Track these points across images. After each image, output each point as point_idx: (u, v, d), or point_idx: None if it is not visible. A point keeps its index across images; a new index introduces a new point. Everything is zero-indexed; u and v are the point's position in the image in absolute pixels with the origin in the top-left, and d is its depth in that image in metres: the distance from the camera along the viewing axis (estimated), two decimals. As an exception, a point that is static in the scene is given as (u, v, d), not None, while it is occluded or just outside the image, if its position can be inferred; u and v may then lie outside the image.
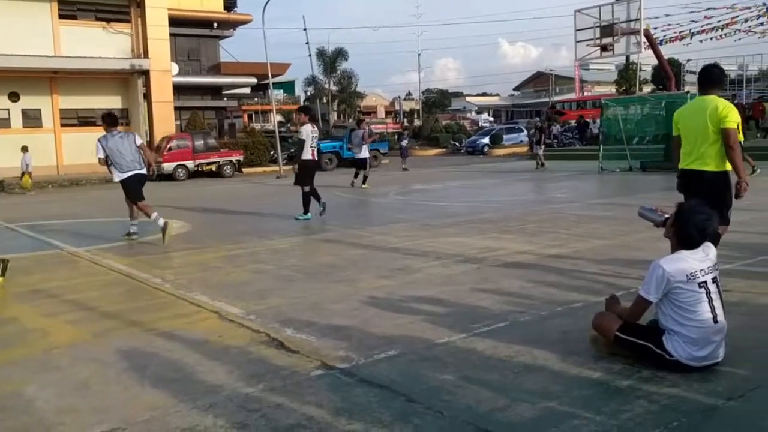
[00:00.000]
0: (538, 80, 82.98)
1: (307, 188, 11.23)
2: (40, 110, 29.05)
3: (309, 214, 11.28)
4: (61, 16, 28.58)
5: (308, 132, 11.17)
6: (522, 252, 7.56)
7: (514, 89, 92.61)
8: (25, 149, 22.43)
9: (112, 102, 30.53)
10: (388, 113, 76.30)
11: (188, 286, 6.45)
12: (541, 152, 23.65)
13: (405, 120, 61.01)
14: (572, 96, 64.28)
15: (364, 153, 18.48)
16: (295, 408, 3.43)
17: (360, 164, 18.77)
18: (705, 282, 3.72)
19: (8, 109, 28.52)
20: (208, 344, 4.61)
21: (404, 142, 28.36)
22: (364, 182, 18.12)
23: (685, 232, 3.82)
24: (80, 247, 9.19)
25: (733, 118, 5.18)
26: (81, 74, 28.67)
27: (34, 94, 28.56)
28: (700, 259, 3.78)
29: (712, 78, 5.49)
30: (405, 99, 76.57)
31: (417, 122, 58.65)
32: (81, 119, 30.05)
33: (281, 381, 3.81)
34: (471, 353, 4.18)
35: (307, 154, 11.21)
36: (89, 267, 7.81)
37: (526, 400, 3.43)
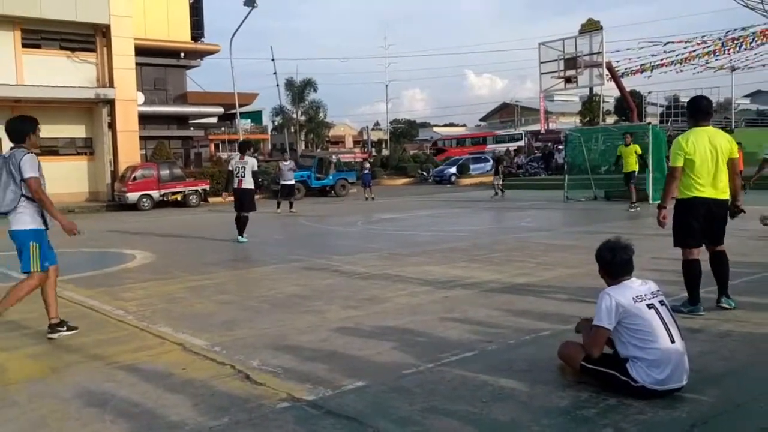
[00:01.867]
0: (504, 111, 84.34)
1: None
2: (1, 139, 28.50)
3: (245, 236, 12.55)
4: (24, 45, 28.22)
5: (234, 163, 12.65)
6: (490, 281, 7.59)
7: (481, 120, 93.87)
8: None
9: (77, 131, 30.17)
10: (356, 143, 76.61)
11: (152, 318, 6.33)
12: (498, 182, 24.83)
13: (373, 149, 61.29)
14: (456, 132, 66.56)
15: (291, 180, 21.26)
16: (261, 442, 3.36)
17: (288, 191, 21.18)
18: (653, 304, 3.85)
19: (-31, 139, 27.97)
20: (172, 377, 4.52)
21: (366, 171, 28.34)
22: (291, 207, 20.55)
23: (600, 259, 4.10)
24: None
25: (737, 149, 5.73)
26: (44, 103, 28.26)
27: (-5, 123, 28.15)
28: (641, 284, 3.98)
29: (708, 109, 5.87)
30: (373, 129, 77.05)
31: (385, 152, 58.96)
32: (44, 148, 29.49)
33: (247, 414, 3.74)
34: (439, 383, 4.16)
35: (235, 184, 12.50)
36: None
37: (495, 430, 3.41)
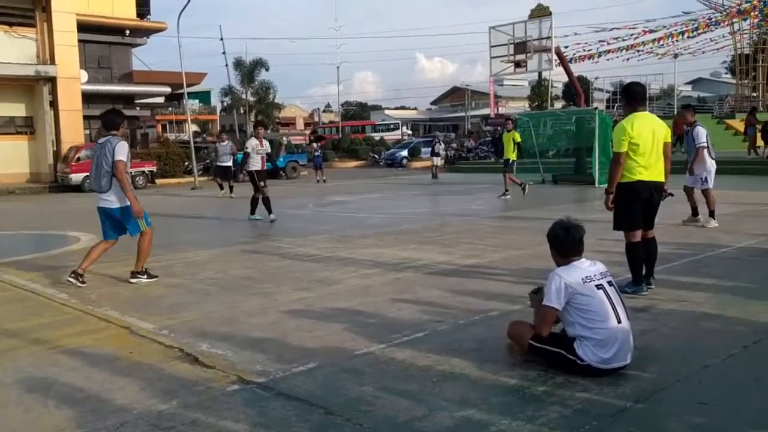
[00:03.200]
0: (455, 95, 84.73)
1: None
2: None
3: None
4: (-42, 19, 27.02)
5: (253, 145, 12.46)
6: (440, 262, 7.65)
7: (432, 103, 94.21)
8: None
9: (16, 109, 29.05)
10: (307, 125, 76.00)
11: (97, 302, 6.18)
12: (437, 163, 26.46)
13: (324, 132, 60.90)
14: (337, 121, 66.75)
15: (228, 162, 19.96)
16: (211, 424, 3.32)
17: (223, 172, 20.22)
18: (601, 285, 3.93)
19: None
20: (118, 361, 4.42)
21: (317, 153, 28.25)
22: (231, 191, 19.46)
23: (553, 238, 4.16)
24: (-22, 261, 8.65)
25: (670, 134, 5.94)
26: (-19, 79, 27.15)
27: (-72, 100, 26.88)
28: (590, 265, 4.07)
29: (643, 95, 6.09)
30: (324, 111, 76.53)
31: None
32: (-19, 127, 28.42)
33: (196, 397, 3.69)
34: (390, 363, 4.18)
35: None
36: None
37: (445, 408, 3.45)
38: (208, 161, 32.76)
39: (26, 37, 28.40)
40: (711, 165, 10.22)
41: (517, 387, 3.75)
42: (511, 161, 16.89)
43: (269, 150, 12.83)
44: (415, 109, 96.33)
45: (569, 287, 3.89)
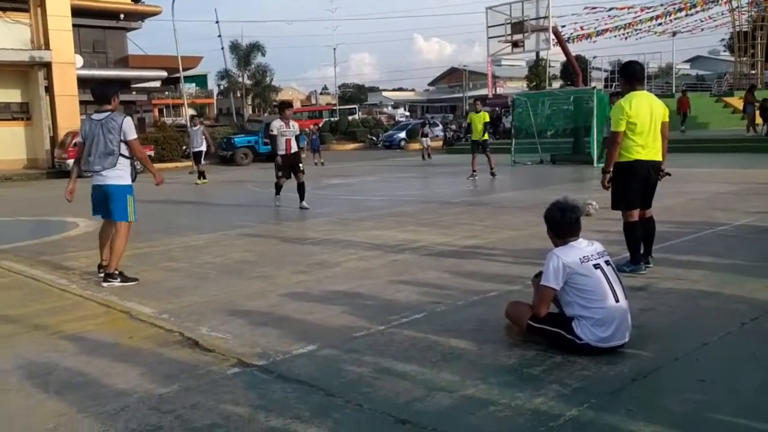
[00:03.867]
0: (452, 76, 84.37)
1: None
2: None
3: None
4: (-50, 4, 26.80)
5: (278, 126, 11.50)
6: (438, 243, 7.65)
7: (429, 84, 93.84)
8: None
9: (11, 95, 28.90)
10: (305, 107, 75.65)
11: (97, 287, 6.19)
12: (427, 144, 26.98)
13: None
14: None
15: (202, 147, 19.57)
16: (211, 407, 3.34)
17: (197, 157, 19.95)
18: (599, 264, 3.94)
19: None
20: (118, 346, 4.44)
21: (315, 136, 28.24)
22: (200, 177, 19.07)
23: (550, 219, 4.16)
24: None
25: (668, 113, 5.91)
26: (-24, 65, 26.99)
27: None
28: (587, 245, 4.07)
29: (642, 74, 6.10)
30: (321, 93, 76.26)
31: (334, 119, 58.43)
32: (-23, 112, 28.30)
33: (196, 381, 3.70)
34: (389, 345, 4.20)
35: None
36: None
37: (444, 389, 3.47)
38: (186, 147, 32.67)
39: (20, 23, 28.18)
40: None
41: (516, 367, 3.77)
42: (486, 142, 16.99)
43: (298, 131, 11.91)
44: (413, 90, 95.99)
45: (567, 267, 3.90)
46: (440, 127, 40.78)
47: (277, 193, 11.98)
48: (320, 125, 41.60)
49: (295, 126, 11.69)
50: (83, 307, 5.56)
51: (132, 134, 6.32)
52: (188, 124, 23.07)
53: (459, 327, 4.50)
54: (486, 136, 16.87)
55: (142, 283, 6.27)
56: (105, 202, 6.40)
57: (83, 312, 5.37)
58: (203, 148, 19.63)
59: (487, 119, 17.26)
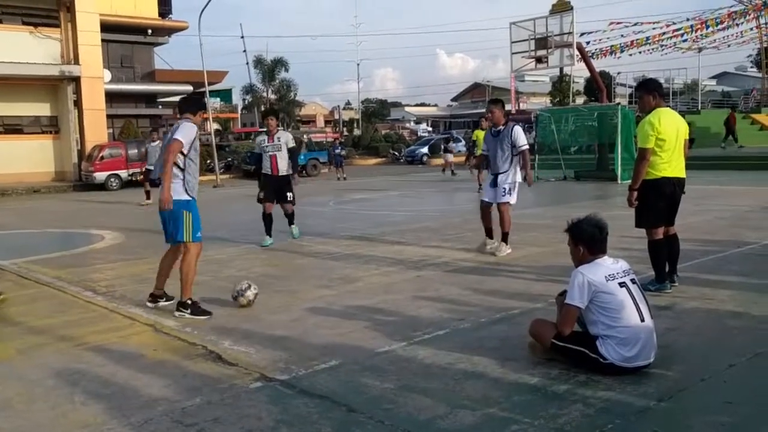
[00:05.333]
0: (475, 91, 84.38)
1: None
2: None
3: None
4: (-16, 20, 27.46)
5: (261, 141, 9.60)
6: (461, 259, 7.64)
7: (452, 100, 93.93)
8: None
9: (41, 109, 29.46)
10: (327, 122, 76.10)
11: (122, 299, 6.26)
12: (450, 159, 26.54)
13: (345, 129, 61.07)
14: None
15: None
16: (234, 421, 3.36)
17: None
18: (624, 283, 3.90)
19: (-72, 116, 27.19)
20: (143, 358, 4.48)
21: (337, 151, 28.40)
22: (147, 197, 17.09)
23: (585, 235, 4.06)
24: (6, 259, 8.79)
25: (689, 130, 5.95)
26: (7, 80, 27.55)
27: (-45, 100, 27.35)
28: (613, 263, 4.03)
29: (663, 90, 6.04)
30: (344, 108, 76.66)
31: (357, 131, 58.74)
32: (7, 127, 28.85)
33: (219, 394, 3.72)
34: (411, 361, 4.19)
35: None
36: (16, 280, 7.48)
37: (467, 406, 3.45)
38: (229, 159, 33.09)
39: (50, 38, 28.78)
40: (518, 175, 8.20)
41: (539, 385, 3.74)
42: None
43: (291, 144, 9.42)
44: (436, 105, 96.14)
45: (592, 285, 3.86)
46: (463, 142, 40.72)
47: (267, 229, 9.48)
48: (342, 139, 41.77)
49: (284, 139, 9.42)
50: (108, 319, 5.62)
51: (179, 134, 5.53)
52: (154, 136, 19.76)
53: (482, 344, 4.48)
54: None
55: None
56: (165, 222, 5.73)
57: (108, 324, 5.43)
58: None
59: None
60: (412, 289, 6.24)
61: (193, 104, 5.97)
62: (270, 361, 4.27)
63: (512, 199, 8.11)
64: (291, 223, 9.81)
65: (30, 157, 28.15)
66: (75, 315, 5.77)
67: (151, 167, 17.03)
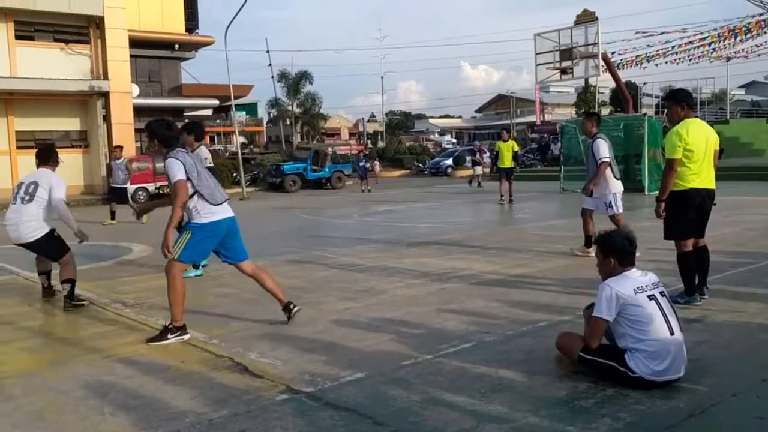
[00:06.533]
0: (500, 102, 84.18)
1: None
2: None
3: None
4: (17, 37, 28.06)
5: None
6: (486, 272, 7.60)
7: (476, 111, 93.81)
8: None
9: (71, 124, 30.01)
10: (351, 135, 76.54)
11: (149, 311, 6.33)
12: (478, 171, 26.94)
13: (369, 141, 61.27)
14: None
15: (125, 183, 16.84)
16: (260, 433, 3.37)
17: (119, 195, 16.85)
18: (653, 295, 3.85)
19: (-39, 131, 27.85)
20: (170, 370, 4.52)
21: (362, 163, 28.51)
22: (112, 218, 16.15)
23: (616, 247, 4.02)
24: (35, 272, 8.92)
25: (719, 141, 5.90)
26: (38, 96, 28.14)
27: (-12, 116, 27.96)
28: (641, 275, 3.99)
29: (693, 101, 5.93)
30: (368, 121, 76.94)
31: (381, 144, 58.91)
32: (38, 141, 29.40)
33: (246, 406, 3.74)
34: (437, 374, 4.17)
35: None
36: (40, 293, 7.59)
37: (494, 420, 3.42)
38: (255, 172, 33.38)
39: (81, 54, 29.36)
40: (615, 186, 8.37)
41: (567, 399, 3.70)
42: (512, 170, 17.80)
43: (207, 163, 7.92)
44: (460, 117, 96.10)
45: (620, 298, 3.82)
46: (488, 154, 40.67)
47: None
48: (367, 151, 41.94)
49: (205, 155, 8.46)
50: (137, 330, 5.68)
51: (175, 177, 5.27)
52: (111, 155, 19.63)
53: (508, 357, 4.45)
54: (512, 164, 17.40)
55: (194, 308, 6.36)
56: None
57: (137, 336, 5.49)
58: (127, 185, 17.28)
59: (516, 148, 17.81)
60: (437, 301, 6.22)
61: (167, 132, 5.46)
62: (296, 373, 4.28)
63: (617, 210, 8.36)
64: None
65: (60, 171, 28.52)
66: (104, 327, 5.84)
67: (117, 185, 16.83)
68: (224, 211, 5.50)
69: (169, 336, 5.18)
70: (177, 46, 37.77)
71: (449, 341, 4.85)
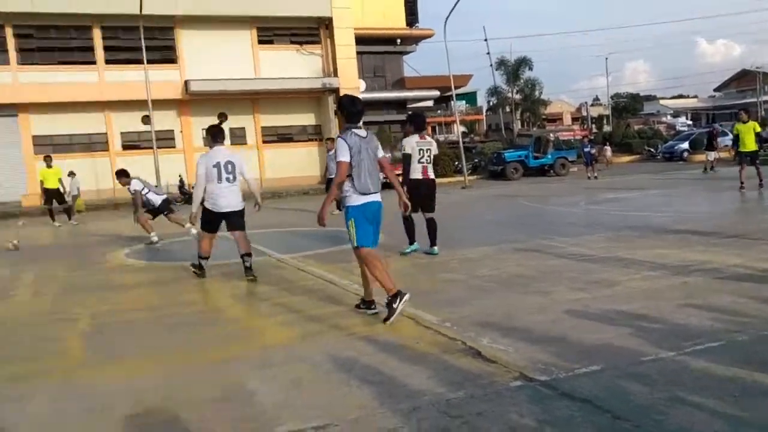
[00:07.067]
0: (743, 79, 75.91)
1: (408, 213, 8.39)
2: (244, 128, 31.73)
3: (415, 243, 9.42)
4: (259, 42, 31.09)
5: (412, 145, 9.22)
6: (731, 265, 6.95)
7: (715, 90, 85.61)
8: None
9: (307, 119, 32.65)
10: (574, 119, 73.95)
11: (383, 293, 6.65)
12: (711, 157, 24.85)
13: (593, 126, 58.74)
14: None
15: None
16: (497, 417, 3.43)
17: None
18: None
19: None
20: (406, 349, 4.75)
21: (587, 149, 27.39)
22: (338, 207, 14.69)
23: None
24: (285, 254, 9.89)
25: None
26: (278, 94, 30.93)
27: (239, 114, 31.26)
28: None
29: None
30: (592, 104, 73.74)
31: (606, 128, 56.20)
32: (280, 136, 32.40)
33: (481, 390, 3.83)
34: (682, 372, 3.92)
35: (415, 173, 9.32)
36: (294, 273, 8.38)
37: (751, 426, 3.15)
38: (476, 160, 33.71)
39: (313, 54, 31.79)
40: None
41: (841, 410, 3.29)
42: (756, 153, 15.99)
43: (434, 150, 9.47)
44: (695, 97, 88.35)
45: None
46: (729, 136, 36.95)
47: (412, 242, 9.37)
48: (591, 136, 40.25)
49: (433, 144, 9.51)
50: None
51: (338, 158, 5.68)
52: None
53: (764, 359, 4.05)
54: (755, 147, 15.48)
55: (424, 292, 6.62)
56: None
57: (374, 316, 5.84)
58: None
59: (758, 129, 15.78)
60: (677, 296, 5.82)
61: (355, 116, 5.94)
62: (529, 361, 4.28)
63: None
64: (434, 241, 9.30)
65: (299, 163, 31.36)
66: (344, 306, 6.30)
67: (330, 177, 16.08)
68: (373, 197, 5.84)
69: (394, 306, 5.52)
70: (399, 40, 39.24)
71: (694, 338, 4.53)
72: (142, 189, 12.38)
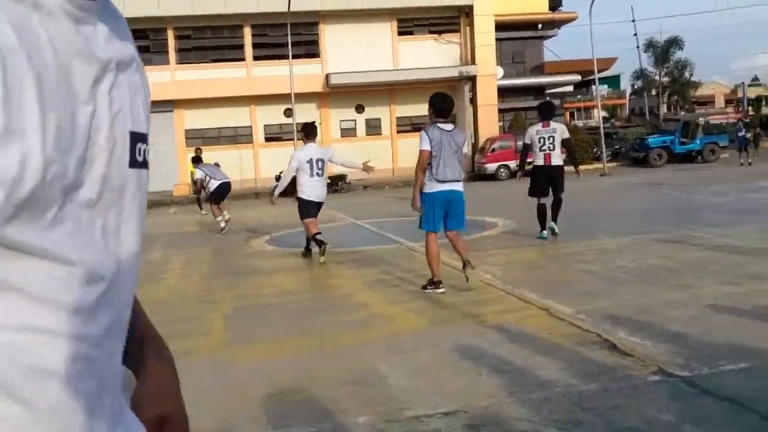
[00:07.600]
0: None
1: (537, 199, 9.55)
2: (379, 119, 32.30)
3: (544, 232, 9.41)
4: (399, 33, 31.43)
5: (532, 135, 9.59)
6: None
7: None
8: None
9: (440, 108, 32.65)
10: (728, 102, 68.81)
11: (515, 283, 6.62)
12: None
13: (750, 108, 54.30)
14: None
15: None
16: (633, 411, 3.32)
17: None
18: None
19: (354, 120, 32.28)
20: (538, 340, 4.69)
21: (741, 133, 25.31)
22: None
23: None
24: (416, 242, 9.98)
25: None
26: (414, 85, 31.16)
27: (375, 105, 31.83)
28: None
29: None
30: (750, 85, 68.17)
31: (766, 110, 51.81)
32: (414, 125, 32.63)
33: (615, 383, 3.71)
34: (844, 376, 3.59)
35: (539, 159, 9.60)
36: (424, 261, 8.44)
37: None
38: (617, 146, 32.29)
39: (451, 42, 31.70)
40: None
41: None
42: None
43: (564, 135, 9.61)
44: None
45: None
46: None
47: (543, 228, 9.43)
48: (747, 119, 37.27)
49: (557, 131, 9.50)
50: (504, 301, 6.01)
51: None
52: None
53: None
54: None
55: (558, 283, 6.48)
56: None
57: (504, 305, 5.81)
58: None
59: None
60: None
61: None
62: (668, 355, 4.08)
63: None
64: (554, 217, 9.57)
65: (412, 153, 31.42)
66: (475, 295, 6.30)
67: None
68: (449, 185, 6.40)
69: (428, 288, 6.42)
70: (540, 25, 38.19)
71: None
72: (204, 176, 13.12)
